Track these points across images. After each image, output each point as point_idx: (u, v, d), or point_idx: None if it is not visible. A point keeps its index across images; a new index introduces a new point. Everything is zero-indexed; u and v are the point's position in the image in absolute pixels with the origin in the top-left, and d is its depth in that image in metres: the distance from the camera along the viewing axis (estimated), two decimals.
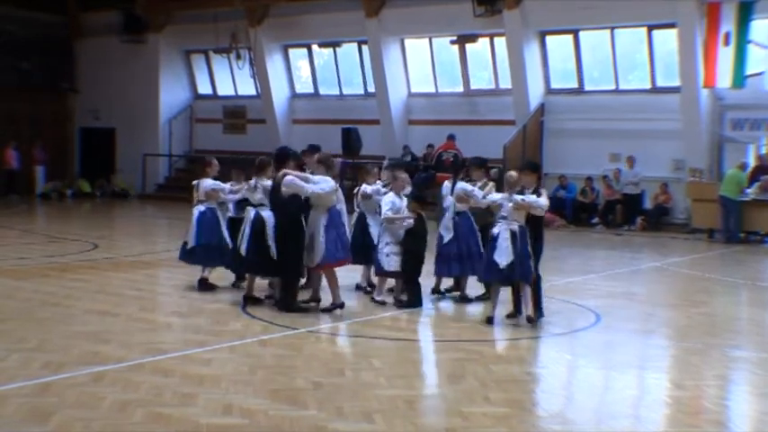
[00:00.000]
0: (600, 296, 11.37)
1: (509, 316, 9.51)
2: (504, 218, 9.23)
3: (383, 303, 10.19)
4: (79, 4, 29.26)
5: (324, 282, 9.89)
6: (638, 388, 7.42)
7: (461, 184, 10.48)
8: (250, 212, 9.93)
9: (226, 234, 10.79)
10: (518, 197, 9.14)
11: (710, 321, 10.17)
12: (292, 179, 9.44)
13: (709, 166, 20.43)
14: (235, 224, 10.63)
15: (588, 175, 21.49)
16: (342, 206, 9.96)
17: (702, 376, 7.58)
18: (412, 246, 10.04)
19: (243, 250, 9.79)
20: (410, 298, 10.11)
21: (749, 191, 18.38)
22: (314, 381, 6.89)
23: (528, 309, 9.21)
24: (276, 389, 6.65)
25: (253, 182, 10.08)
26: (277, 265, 9.71)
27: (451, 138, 21.31)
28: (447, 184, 10.73)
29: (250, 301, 9.98)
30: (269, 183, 9.95)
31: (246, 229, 9.83)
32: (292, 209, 9.51)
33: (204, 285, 10.77)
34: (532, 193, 9.28)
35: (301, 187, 9.43)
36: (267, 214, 9.84)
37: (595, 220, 21.14)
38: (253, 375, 7.04)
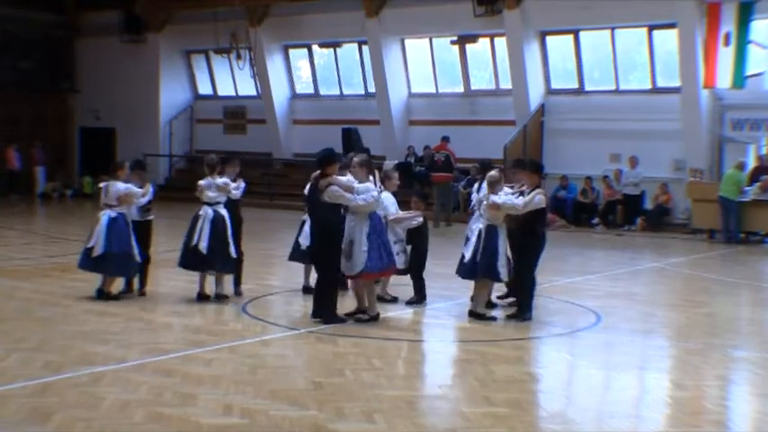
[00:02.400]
0: (600, 296, 11.37)
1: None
2: (480, 215, 9.51)
3: (395, 300, 10.30)
4: (79, 3, 29.23)
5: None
6: (638, 388, 7.42)
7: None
8: (207, 211, 10.17)
9: (134, 242, 10.29)
10: (494, 197, 9.25)
11: (711, 321, 10.16)
12: (337, 190, 8.96)
13: (710, 167, 20.40)
14: (139, 228, 10.41)
15: (588, 175, 21.47)
16: (382, 212, 9.52)
17: (703, 376, 7.58)
18: (419, 243, 10.25)
19: (203, 248, 10.05)
20: (417, 294, 10.28)
21: (749, 191, 18.36)
22: (314, 381, 6.89)
23: (479, 305, 9.52)
24: (276, 389, 6.65)
25: (204, 182, 10.24)
26: (233, 262, 10.30)
27: (445, 139, 21.33)
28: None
29: (204, 298, 10.27)
30: (221, 180, 10.25)
31: (206, 227, 10.10)
32: (332, 216, 9.13)
33: (106, 296, 10.27)
34: (529, 192, 9.31)
35: (347, 199, 8.99)
36: (224, 212, 10.21)
37: (596, 220, 21.11)
38: (253, 375, 7.05)
